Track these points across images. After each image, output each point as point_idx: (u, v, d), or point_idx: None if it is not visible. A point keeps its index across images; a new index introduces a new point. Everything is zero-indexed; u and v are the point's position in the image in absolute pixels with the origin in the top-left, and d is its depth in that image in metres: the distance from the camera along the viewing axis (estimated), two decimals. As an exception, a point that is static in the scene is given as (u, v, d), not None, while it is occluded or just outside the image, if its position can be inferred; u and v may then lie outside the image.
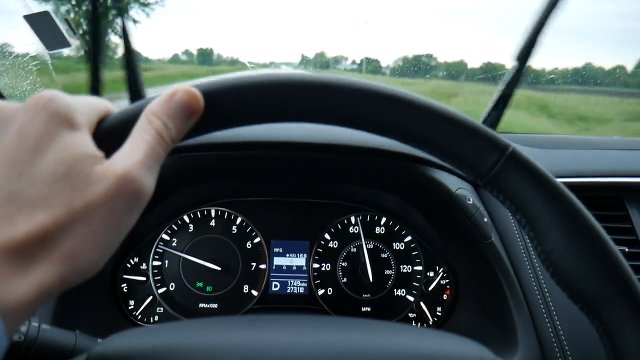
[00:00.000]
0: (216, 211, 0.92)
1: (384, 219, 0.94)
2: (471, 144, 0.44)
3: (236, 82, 0.44)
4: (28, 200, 0.33)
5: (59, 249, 0.34)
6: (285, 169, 0.87)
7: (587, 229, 0.41)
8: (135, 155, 0.37)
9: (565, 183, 0.87)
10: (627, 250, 0.83)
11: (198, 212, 0.92)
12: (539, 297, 0.78)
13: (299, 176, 0.90)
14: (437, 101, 0.47)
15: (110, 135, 0.40)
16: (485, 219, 0.80)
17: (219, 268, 0.91)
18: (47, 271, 0.34)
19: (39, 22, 0.81)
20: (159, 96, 0.41)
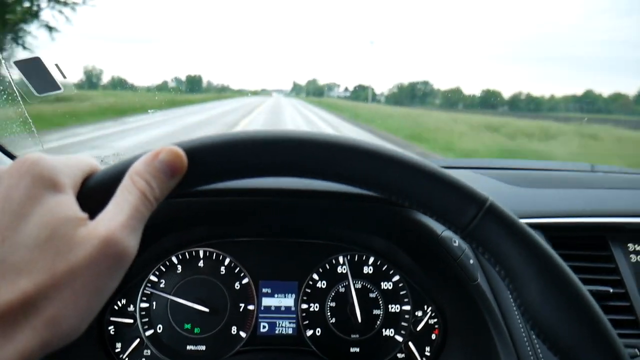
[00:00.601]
0: (204, 252, 0.92)
1: (371, 259, 0.95)
2: (450, 198, 0.45)
3: (217, 140, 0.45)
4: (11, 266, 0.34)
5: (42, 314, 0.34)
6: (273, 212, 0.88)
7: (564, 284, 0.42)
8: (119, 217, 0.38)
9: (548, 224, 0.88)
10: (611, 291, 0.84)
11: (186, 253, 0.92)
12: (525, 338, 0.78)
13: (287, 219, 0.90)
14: (414, 155, 0.49)
15: (94, 195, 0.40)
16: (471, 261, 0.81)
17: (207, 309, 0.91)
18: (30, 337, 0.34)
19: (30, 67, 0.83)
20: (143, 156, 0.41)
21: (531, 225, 0.88)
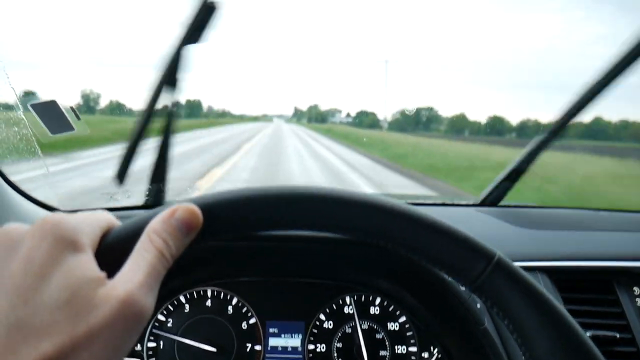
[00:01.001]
0: (212, 291, 0.93)
1: (378, 299, 0.95)
2: (458, 253, 0.46)
3: (232, 196, 0.46)
4: (33, 329, 0.34)
5: None
6: (281, 254, 0.89)
7: (573, 341, 0.43)
8: (137, 277, 0.39)
9: (553, 267, 0.89)
10: (618, 336, 0.84)
11: (194, 292, 0.93)
12: None
13: (294, 260, 0.91)
14: (424, 211, 0.50)
15: (112, 253, 0.42)
16: (479, 305, 0.82)
17: (214, 349, 0.91)
18: None
19: (46, 109, 0.85)
20: (160, 213, 0.43)
21: (537, 268, 0.89)
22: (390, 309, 0.95)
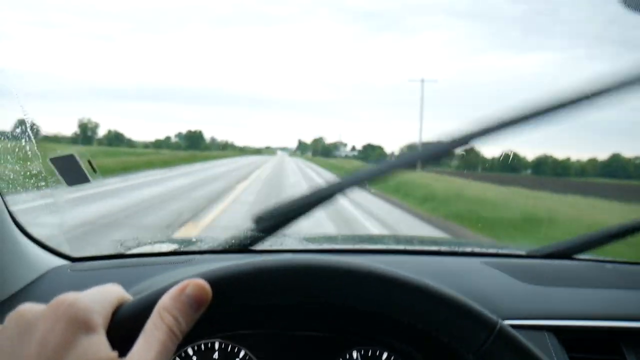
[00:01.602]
0: (220, 344, 0.93)
1: (385, 354, 0.95)
2: (461, 322, 0.48)
3: (240, 270, 0.48)
4: None
5: None
6: (290, 310, 0.90)
7: None
8: (149, 356, 0.39)
9: (559, 326, 0.89)
10: None
11: (202, 345, 0.93)
12: None
13: (303, 314, 0.92)
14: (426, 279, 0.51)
15: (123, 331, 0.43)
16: None
17: None
18: None
19: (64, 163, 0.87)
20: (170, 290, 0.43)
21: (543, 327, 0.89)
22: None
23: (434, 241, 1.87)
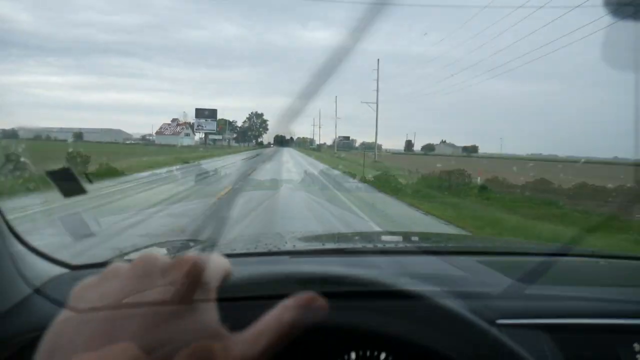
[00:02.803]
0: None
1: (383, 354, 0.97)
2: (455, 330, 0.49)
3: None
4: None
5: None
6: None
7: None
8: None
9: (554, 324, 0.90)
10: None
11: None
12: None
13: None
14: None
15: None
16: None
17: None
18: None
19: (61, 176, 0.88)
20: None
21: (537, 325, 0.91)
22: None
23: (431, 238, 1.89)
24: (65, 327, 0.38)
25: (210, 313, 0.39)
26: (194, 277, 0.39)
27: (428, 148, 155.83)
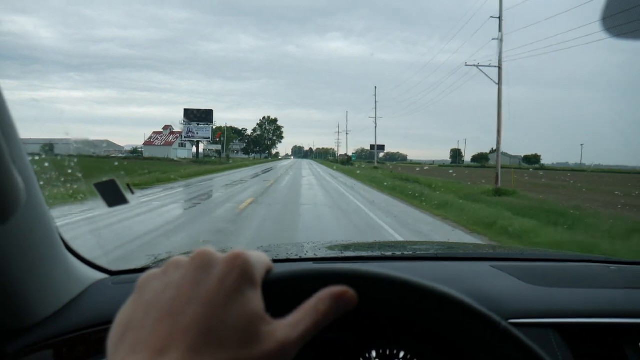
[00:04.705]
0: None
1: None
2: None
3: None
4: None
5: None
6: None
7: None
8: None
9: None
10: None
11: None
12: None
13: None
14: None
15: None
16: None
17: None
18: None
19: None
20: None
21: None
22: None
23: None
24: (135, 311, 0.44)
25: (256, 301, 0.45)
26: (243, 269, 0.46)
27: (480, 158, 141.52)
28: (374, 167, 59.80)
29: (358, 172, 42.46)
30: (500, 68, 21.72)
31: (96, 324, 0.97)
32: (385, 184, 25.40)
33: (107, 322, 0.96)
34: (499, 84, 21.82)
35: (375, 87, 70.01)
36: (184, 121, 75.29)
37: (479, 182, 26.84)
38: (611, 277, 1.19)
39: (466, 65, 23.68)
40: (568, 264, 1.36)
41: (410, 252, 1.68)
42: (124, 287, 1.11)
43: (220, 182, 25.55)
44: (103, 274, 1.18)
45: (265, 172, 39.66)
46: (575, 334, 0.96)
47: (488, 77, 22.23)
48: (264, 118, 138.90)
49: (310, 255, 1.50)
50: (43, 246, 0.91)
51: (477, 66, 23.05)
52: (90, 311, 1.00)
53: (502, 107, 21.77)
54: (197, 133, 75.30)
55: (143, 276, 0.47)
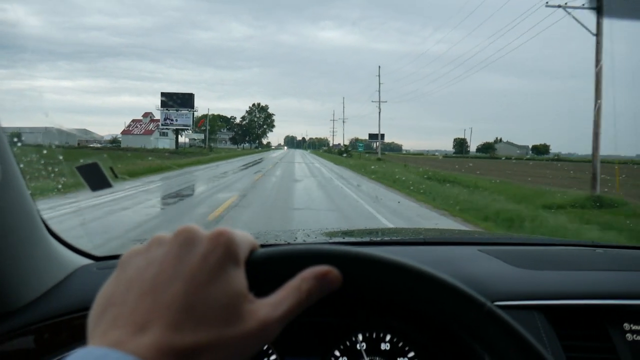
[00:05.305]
0: None
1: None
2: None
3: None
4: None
5: None
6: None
7: None
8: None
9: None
10: None
11: None
12: None
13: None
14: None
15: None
16: None
17: None
18: None
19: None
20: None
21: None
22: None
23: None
24: (117, 287, 0.44)
25: (239, 279, 0.45)
26: (227, 246, 0.45)
27: (487, 148, 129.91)
28: (378, 158, 50.72)
29: (373, 166, 30.00)
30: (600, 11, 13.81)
31: (80, 309, 0.96)
32: (422, 189, 16.32)
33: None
34: (597, 34, 14.29)
35: (379, 67, 62.12)
36: (161, 106, 63.66)
37: (539, 181, 20.67)
38: (596, 260, 1.19)
39: (547, 6, 15.53)
40: (554, 248, 1.37)
41: (399, 238, 1.68)
42: (109, 272, 1.09)
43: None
44: (88, 260, 1.17)
45: (248, 165, 32.24)
46: (560, 315, 0.97)
47: (580, 22, 14.48)
48: (253, 105, 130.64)
49: (299, 241, 1.50)
50: (23, 229, 0.90)
51: (564, 7, 15.15)
52: (74, 296, 0.99)
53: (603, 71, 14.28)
54: (176, 120, 63.51)
55: (126, 253, 0.47)
